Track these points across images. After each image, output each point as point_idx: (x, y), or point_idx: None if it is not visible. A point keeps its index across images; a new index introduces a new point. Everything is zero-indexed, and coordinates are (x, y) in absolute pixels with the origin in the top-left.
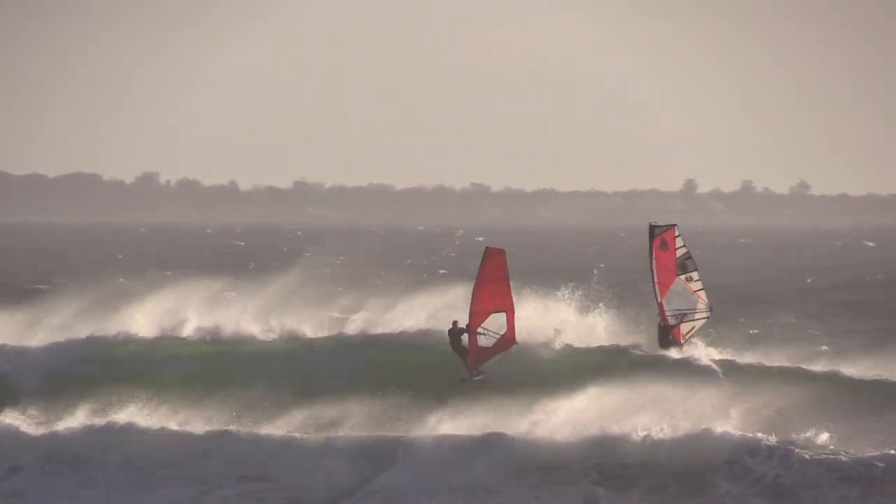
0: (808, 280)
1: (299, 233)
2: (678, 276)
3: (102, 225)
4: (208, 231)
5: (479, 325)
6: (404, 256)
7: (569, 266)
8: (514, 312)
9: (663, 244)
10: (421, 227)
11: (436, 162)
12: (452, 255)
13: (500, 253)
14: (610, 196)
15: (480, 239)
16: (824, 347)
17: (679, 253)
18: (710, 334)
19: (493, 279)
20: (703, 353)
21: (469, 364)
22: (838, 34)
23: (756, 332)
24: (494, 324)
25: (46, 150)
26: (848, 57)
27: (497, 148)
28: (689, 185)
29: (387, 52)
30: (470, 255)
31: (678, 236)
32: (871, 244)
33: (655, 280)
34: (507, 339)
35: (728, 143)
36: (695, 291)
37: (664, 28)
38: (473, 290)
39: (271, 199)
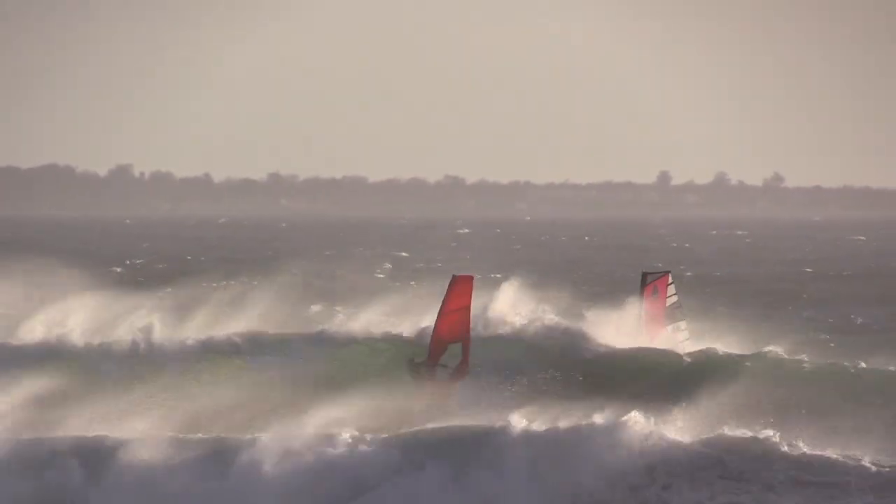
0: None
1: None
2: (665, 326)
3: (93, 219)
4: (221, 221)
5: (438, 357)
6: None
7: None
8: (469, 342)
9: (655, 291)
10: (404, 220)
11: (409, 154)
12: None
13: (468, 280)
14: (584, 188)
15: (465, 231)
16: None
17: (669, 301)
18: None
19: (456, 308)
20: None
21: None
22: (814, 27)
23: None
24: (452, 356)
25: (20, 142)
26: (823, 49)
27: (471, 140)
28: (664, 178)
29: (361, 46)
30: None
31: (671, 283)
32: (861, 238)
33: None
34: (462, 371)
35: (702, 135)
36: (680, 342)
37: (638, 21)
38: (437, 318)
39: (245, 191)
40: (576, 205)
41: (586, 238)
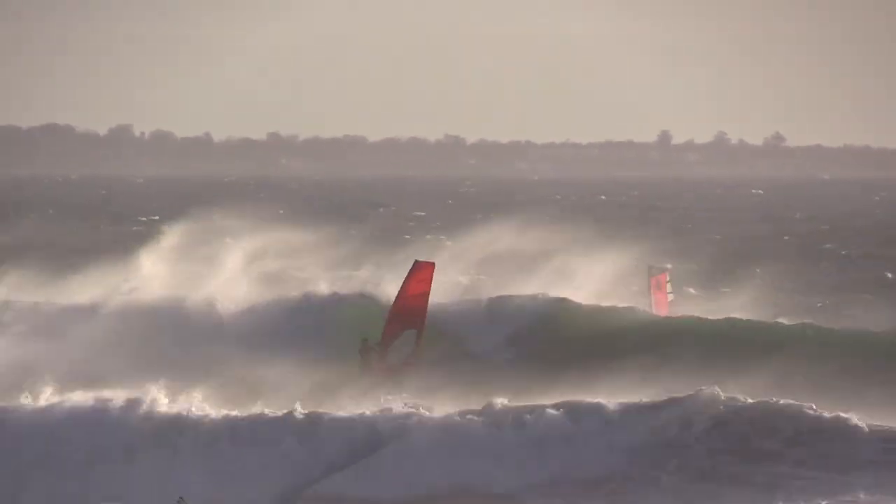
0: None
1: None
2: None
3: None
4: (226, 180)
5: (391, 341)
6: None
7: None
8: (424, 330)
9: (658, 285)
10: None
11: (409, 113)
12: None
13: (430, 267)
14: (585, 147)
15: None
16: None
17: (669, 298)
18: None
19: (414, 294)
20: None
21: (374, 384)
22: None
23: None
24: (405, 341)
25: (20, 101)
26: (824, 7)
27: (472, 100)
28: (664, 137)
29: (361, 5)
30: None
31: (669, 281)
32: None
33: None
34: (414, 360)
35: (702, 94)
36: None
37: None
38: (394, 302)
39: (246, 151)
40: (577, 164)
41: (602, 197)
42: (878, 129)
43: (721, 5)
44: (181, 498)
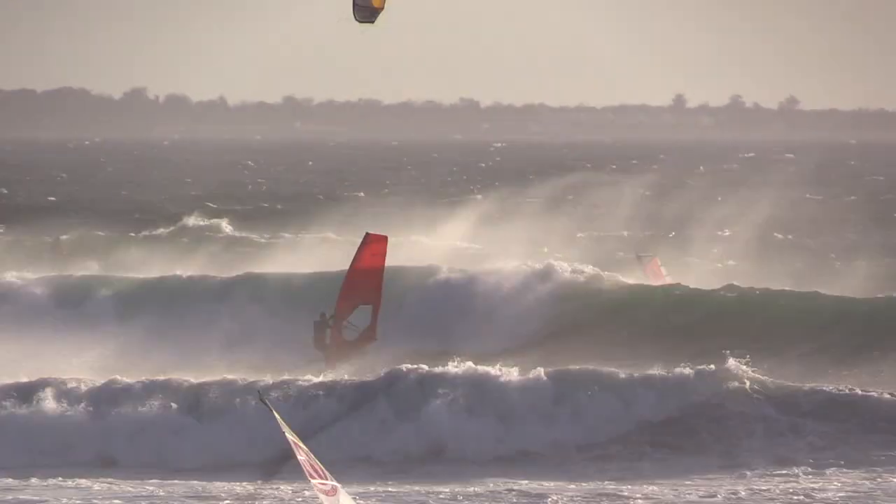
0: None
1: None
2: None
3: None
4: (258, 138)
5: (346, 316)
6: None
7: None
8: (380, 307)
9: (654, 272)
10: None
11: (423, 77)
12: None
13: (382, 240)
14: (600, 111)
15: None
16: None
17: (666, 280)
18: None
19: (367, 268)
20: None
21: (327, 359)
22: None
23: None
24: (359, 317)
25: (35, 65)
26: None
27: (485, 63)
28: (679, 101)
29: None
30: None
31: (661, 265)
32: None
33: None
34: (369, 336)
35: (717, 57)
36: None
37: None
38: (346, 275)
39: (260, 114)
40: (590, 127)
41: (634, 161)
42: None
43: None
44: (259, 391)
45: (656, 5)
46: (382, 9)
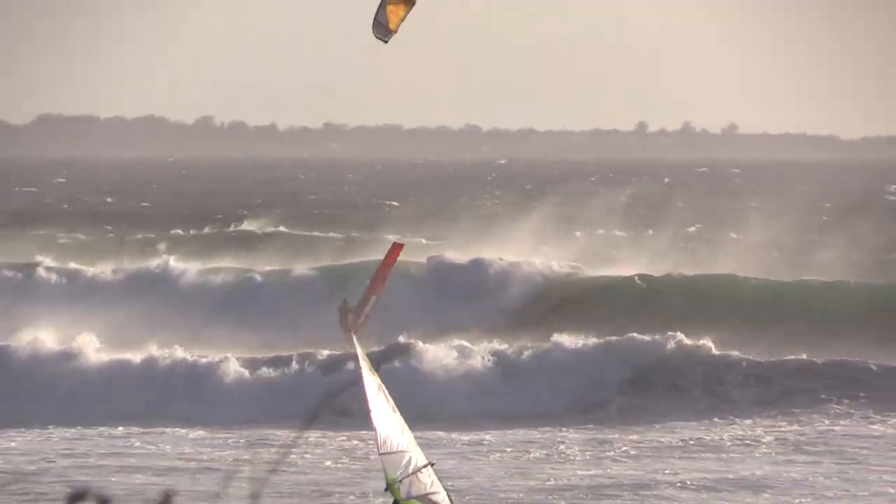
0: None
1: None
2: None
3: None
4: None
5: (366, 305)
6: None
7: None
8: (382, 297)
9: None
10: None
11: (436, 104)
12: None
13: (401, 247)
14: (578, 134)
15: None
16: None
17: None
18: None
19: (387, 266)
20: None
21: (347, 338)
22: None
23: None
24: (372, 304)
25: (124, 94)
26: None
27: (485, 92)
28: (642, 126)
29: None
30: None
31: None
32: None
33: None
34: (364, 322)
35: (669, 89)
36: None
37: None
38: (374, 277)
39: (305, 138)
40: (572, 148)
41: (611, 175)
42: (818, 116)
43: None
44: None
45: (627, 41)
46: (395, 32)
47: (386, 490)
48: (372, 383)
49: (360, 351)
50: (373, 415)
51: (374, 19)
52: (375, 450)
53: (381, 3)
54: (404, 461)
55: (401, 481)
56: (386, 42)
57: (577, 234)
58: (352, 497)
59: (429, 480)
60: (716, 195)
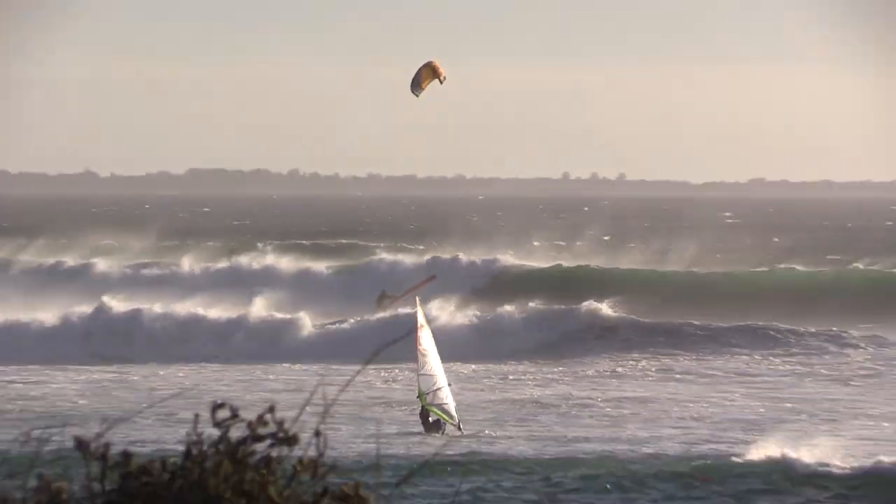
0: None
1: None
2: None
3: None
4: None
5: (400, 299)
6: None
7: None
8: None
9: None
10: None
11: (421, 154)
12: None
13: (434, 277)
14: (532, 181)
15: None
16: None
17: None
18: None
19: (418, 288)
20: None
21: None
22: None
23: None
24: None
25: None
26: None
27: (432, 144)
28: (595, 175)
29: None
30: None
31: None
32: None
33: None
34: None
35: (599, 147)
36: None
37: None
38: (408, 290)
39: (328, 183)
40: (531, 191)
41: (585, 208)
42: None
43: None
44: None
45: (576, 103)
46: (423, 90)
47: (417, 398)
48: (427, 330)
49: (420, 311)
50: (420, 348)
51: (414, 79)
52: (413, 374)
53: (418, 71)
54: (433, 382)
55: (427, 394)
56: (417, 97)
57: (536, 243)
58: (379, 407)
59: (444, 395)
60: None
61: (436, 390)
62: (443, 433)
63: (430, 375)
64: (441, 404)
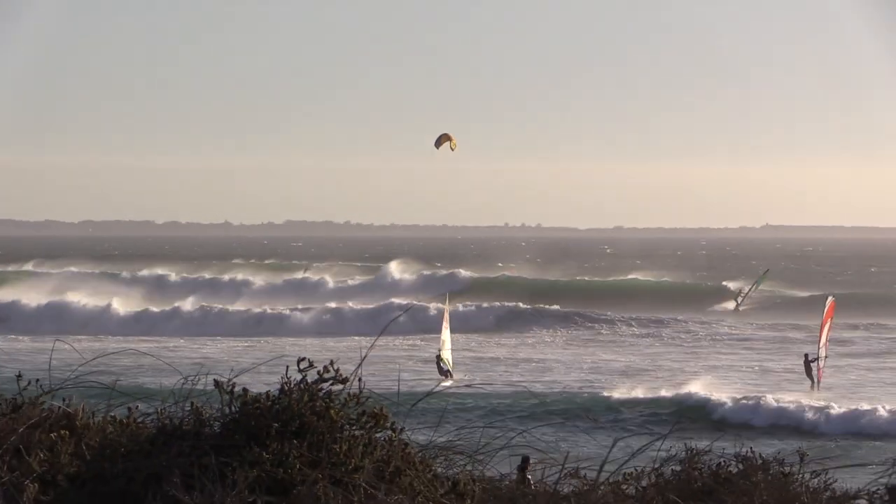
0: None
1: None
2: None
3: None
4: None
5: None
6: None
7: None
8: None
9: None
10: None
11: (405, 204)
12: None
13: (447, 308)
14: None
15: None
16: None
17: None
18: None
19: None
20: None
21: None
22: None
23: None
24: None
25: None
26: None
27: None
28: (505, 226)
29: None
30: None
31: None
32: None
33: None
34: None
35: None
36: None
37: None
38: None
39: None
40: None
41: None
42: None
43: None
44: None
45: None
46: (437, 149)
47: (437, 354)
48: (447, 314)
49: (447, 305)
50: (444, 325)
51: (437, 140)
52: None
53: (439, 137)
54: (447, 345)
55: (442, 351)
56: (437, 148)
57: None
58: (400, 362)
59: (448, 354)
60: None
61: (447, 350)
62: (450, 377)
63: (444, 340)
64: (447, 359)
